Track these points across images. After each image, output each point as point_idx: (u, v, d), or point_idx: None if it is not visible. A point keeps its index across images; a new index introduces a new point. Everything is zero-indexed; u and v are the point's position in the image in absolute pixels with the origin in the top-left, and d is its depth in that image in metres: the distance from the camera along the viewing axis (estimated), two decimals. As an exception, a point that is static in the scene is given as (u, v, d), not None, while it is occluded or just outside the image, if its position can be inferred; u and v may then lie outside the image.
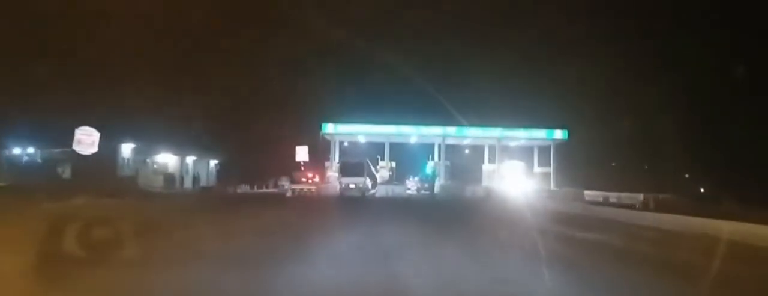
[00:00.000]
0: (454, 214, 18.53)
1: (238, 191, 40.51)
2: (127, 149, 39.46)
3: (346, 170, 32.14)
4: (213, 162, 54.33)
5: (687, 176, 55.27)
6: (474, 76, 55.53)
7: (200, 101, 52.40)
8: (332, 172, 37.71)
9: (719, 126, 47.56)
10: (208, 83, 52.38)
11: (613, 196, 28.80)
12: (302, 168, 33.86)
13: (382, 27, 58.04)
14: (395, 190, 33.37)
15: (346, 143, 51.97)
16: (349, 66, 59.93)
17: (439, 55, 63.00)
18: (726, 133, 46.23)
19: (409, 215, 18.46)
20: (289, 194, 30.91)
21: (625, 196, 30.66)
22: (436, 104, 47.39)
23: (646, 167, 54.98)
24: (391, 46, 59.15)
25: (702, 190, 46.02)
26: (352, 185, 31.30)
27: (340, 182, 31.88)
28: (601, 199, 28.92)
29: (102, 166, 36.86)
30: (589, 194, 31.00)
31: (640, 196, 28.80)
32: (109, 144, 37.50)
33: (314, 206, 23.21)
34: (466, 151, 53.02)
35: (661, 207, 21.59)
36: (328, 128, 43.99)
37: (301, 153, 34.14)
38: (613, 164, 54.52)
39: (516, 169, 42.69)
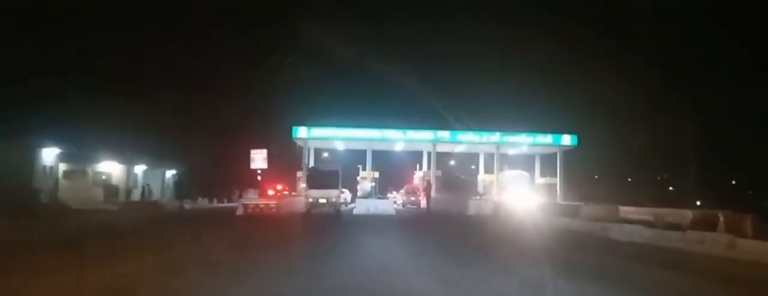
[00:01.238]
0: (486, 255, 10.59)
1: (187, 206, 32.38)
2: (49, 154, 31.20)
3: (314, 180, 24.10)
4: (170, 172, 46.04)
5: (671, 188, 49.94)
6: (466, 75, 48.57)
7: (154, 100, 44.70)
8: (303, 184, 29.72)
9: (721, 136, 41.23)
10: (163, 79, 44.43)
11: (669, 214, 21.18)
12: (259, 178, 25.87)
13: (364, 20, 50.82)
14: (378, 206, 25.39)
15: (325, 154, 44.69)
16: (327, 62, 52.56)
17: (427, 51, 55.81)
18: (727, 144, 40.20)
19: (413, 254, 10.61)
20: (239, 211, 22.98)
21: (666, 213, 23.10)
22: (425, 106, 40.27)
23: (630, 179, 48.69)
24: (375, 41, 51.83)
25: (697, 203, 39.62)
26: (322, 200, 23.38)
27: (307, 196, 23.87)
28: (651, 218, 21.35)
29: (20, 174, 29.11)
30: (625, 211, 23.42)
31: (689, 214, 21.47)
32: (26, 148, 29.85)
33: (257, 234, 15.28)
34: (454, 161, 45.44)
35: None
36: (300, 132, 36.33)
37: (258, 159, 26.16)
38: (596, 176, 47.62)
39: (519, 180, 35.19)
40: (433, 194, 27.57)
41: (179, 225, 17.63)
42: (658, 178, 52.63)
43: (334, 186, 23.67)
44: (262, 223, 18.53)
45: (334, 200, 23.44)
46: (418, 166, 42.61)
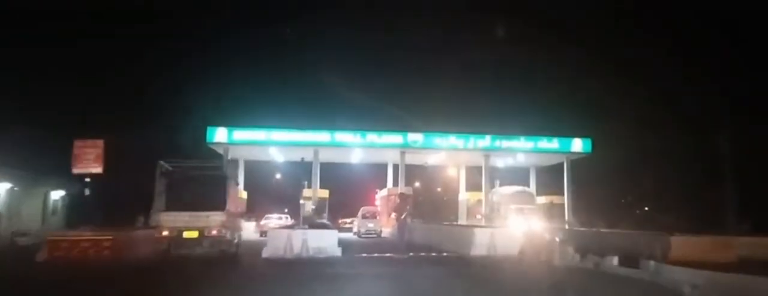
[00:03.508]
0: None
1: (23, 241, 19.96)
2: None
3: (175, 193, 11.85)
4: (57, 194, 33.36)
5: (637, 211, 39.51)
6: (443, 69, 38.28)
7: (33, 97, 32.40)
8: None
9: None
10: (43, 64, 32.11)
11: None
12: (87, 192, 14.13)
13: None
14: (312, 241, 13.27)
15: (278, 175, 33.45)
16: (265, 48, 41.39)
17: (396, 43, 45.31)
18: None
19: None
20: (41, 255, 11.06)
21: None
22: (393, 114, 29.81)
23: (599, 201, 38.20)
24: (328, 22, 41.02)
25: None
26: (188, 233, 11.55)
27: (160, 226, 11.74)
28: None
29: None
30: (741, 242, 12.50)
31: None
32: None
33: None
34: (419, 182, 34.14)
35: None
36: (217, 135, 24.83)
37: (87, 159, 14.28)
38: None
39: (522, 199, 24.18)
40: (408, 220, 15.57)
41: None
42: (622, 201, 40.80)
43: (215, 206, 11.97)
44: None
45: (215, 232, 11.71)
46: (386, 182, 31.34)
